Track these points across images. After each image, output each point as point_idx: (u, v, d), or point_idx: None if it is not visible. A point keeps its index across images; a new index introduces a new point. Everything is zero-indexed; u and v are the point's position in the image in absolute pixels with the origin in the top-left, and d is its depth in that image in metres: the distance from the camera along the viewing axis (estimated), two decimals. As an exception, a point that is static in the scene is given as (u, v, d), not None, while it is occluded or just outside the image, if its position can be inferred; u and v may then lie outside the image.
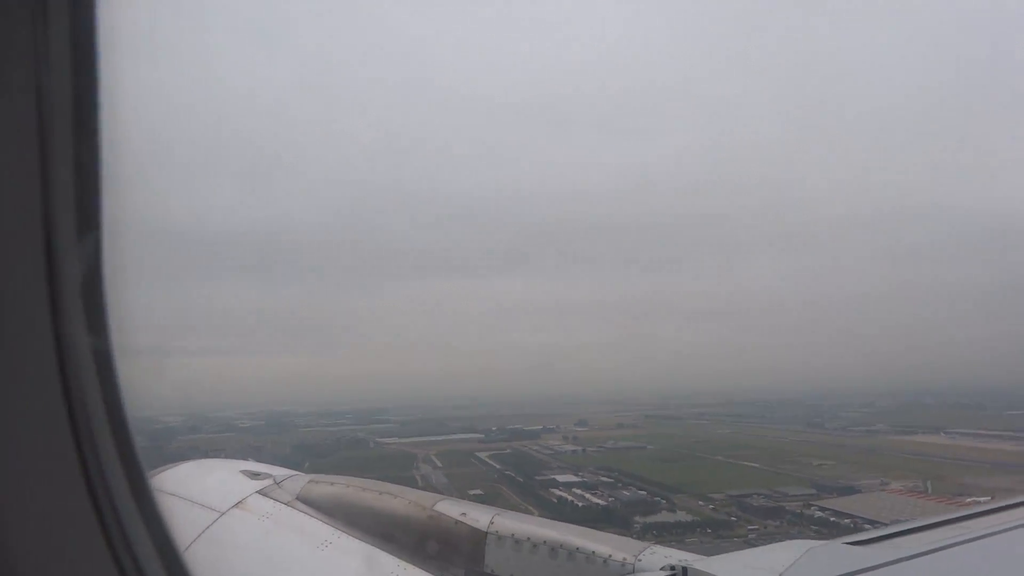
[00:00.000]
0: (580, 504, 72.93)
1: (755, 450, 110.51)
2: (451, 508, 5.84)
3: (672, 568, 3.91)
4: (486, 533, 5.38)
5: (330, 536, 5.77)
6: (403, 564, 5.28)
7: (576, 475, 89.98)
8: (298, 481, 6.72)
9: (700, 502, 74.66)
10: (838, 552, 3.91)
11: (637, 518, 66.72)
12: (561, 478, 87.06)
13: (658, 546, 4.74)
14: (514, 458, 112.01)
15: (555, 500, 75.60)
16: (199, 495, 6.15)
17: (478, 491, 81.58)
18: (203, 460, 7.83)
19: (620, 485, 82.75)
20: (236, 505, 6.07)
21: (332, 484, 6.59)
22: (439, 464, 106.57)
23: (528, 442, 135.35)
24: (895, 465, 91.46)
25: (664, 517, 67.44)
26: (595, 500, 74.39)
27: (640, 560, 4.48)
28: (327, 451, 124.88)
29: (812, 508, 64.28)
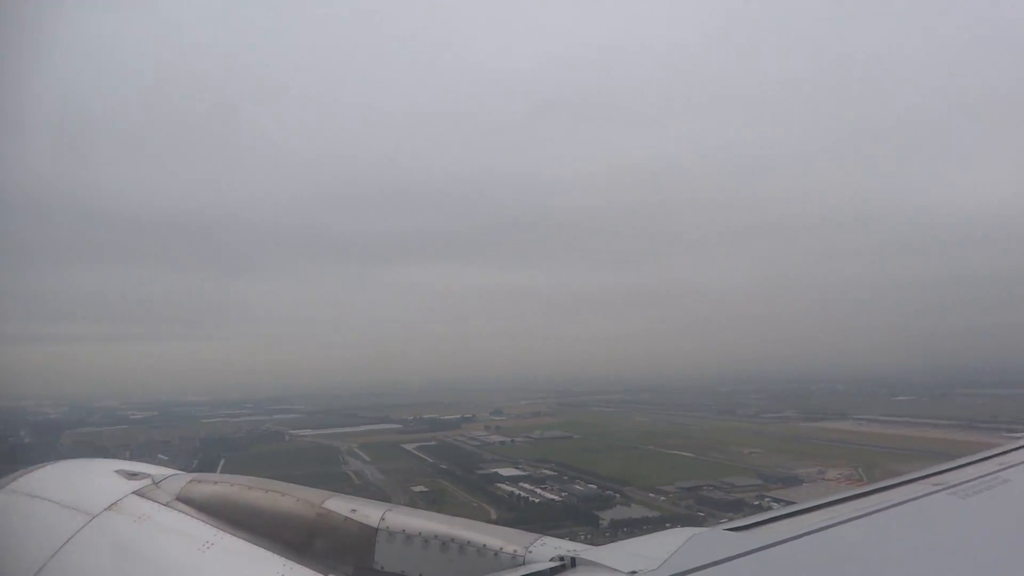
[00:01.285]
0: (536, 500, 71.15)
1: (679, 439, 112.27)
2: (340, 505, 5.42)
3: (561, 559, 3.84)
4: (376, 529, 5.06)
5: (212, 537, 5.34)
6: (290, 564, 4.94)
7: (516, 468, 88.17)
8: (178, 480, 6.20)
9: (651, 494, 74.38)
10: (720, 538, 4.03)
11: (599, 514, 65.64)
12: (504, 472, 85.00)
13: (548, 537, 4.61)
14: (443, 450, 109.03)
15: (506, 496, 73.44)
16: (68, 498, 5.83)
17: (421, 487, 78.44)
18: (74, 460, 7.11)
19: (566, 479, 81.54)
20: (109, 507, 5.68)
21: (215, 483, 6.08)
22: (366, 458, 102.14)
23: (450, 432, 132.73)
24: (818, 452, 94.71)
25: (626, 512, 66.54)
26: (549, 495, 72.83)
27: (531, 552, 4.40)
28: (238, 444, 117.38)
29: (766, 499, 64.98)
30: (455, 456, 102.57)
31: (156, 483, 6.13)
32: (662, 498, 73.36)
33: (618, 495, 73.28)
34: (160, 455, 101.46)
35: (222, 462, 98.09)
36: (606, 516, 64.98)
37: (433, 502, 70.84)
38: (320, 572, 4.93)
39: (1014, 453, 6.84)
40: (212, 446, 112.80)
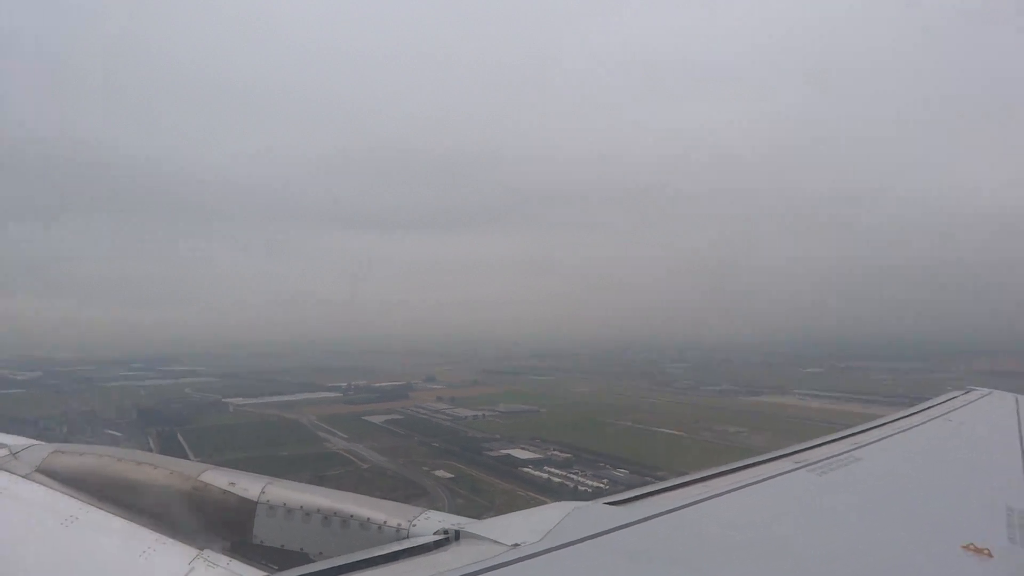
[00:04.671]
0: (587, 490, 68.07)
1: (648, 414, 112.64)
2: (218, 478, 5.31)
3: (446, 531, 3.91)
4: (256, 503, 5.01)
5: (77, 511, 5.13)
6: (163, 538, 4.83)
7: (524, 449, 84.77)
8: (39, 451, 5.86)
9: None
10: (600, 511, 4.21)
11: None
12: (516, 454, 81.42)
13: (432, 511, 4.68)
14: (418, 425, 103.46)
15: (544, 482, 69.78)
16: None
17: (442, 472, 73.71)
18: None
19: (586, 462, 79.05)
20: None
21: (82, 454, 5.79)
22: (341, 434, 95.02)
23: (401, 403, 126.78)
24: (804, 431, 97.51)
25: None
26: (592, 483, 70.12)
27: (415, 525, 4.48)
28: (180, 416, 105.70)
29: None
30: (437, 432, 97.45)
31: (13, 454, 5.81)
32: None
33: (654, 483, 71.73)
34: (106, 430, 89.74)
35: (178, 437, 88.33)
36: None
37: (477, 491, 66.34)
38: (196, 547, 4.79)
39: (867, 433, 7.45)
40: (152, 418, 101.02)
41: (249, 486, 5.13)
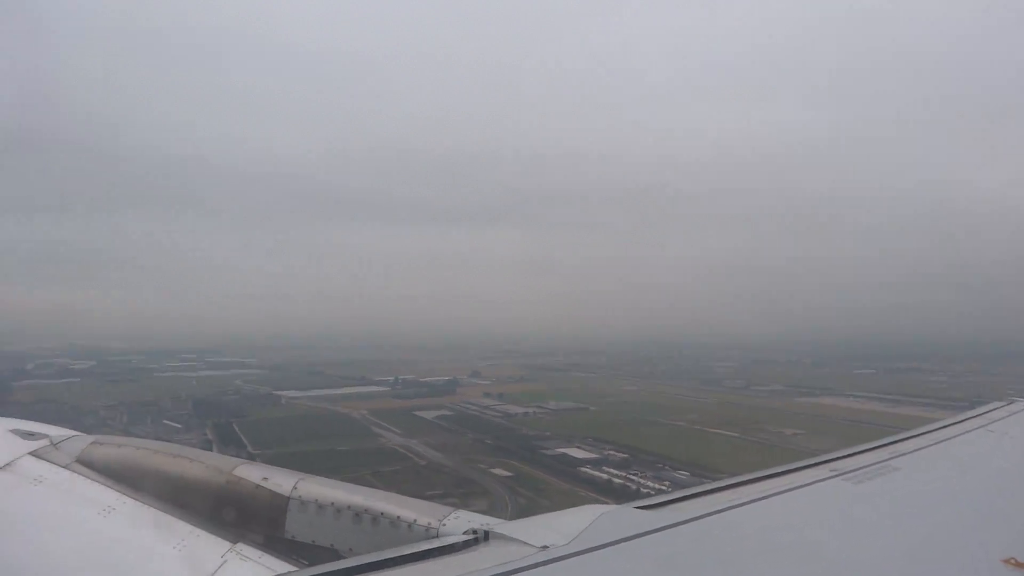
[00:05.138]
0: (648, 493, 67.28)
1: (699, 414, 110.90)
2: (252, 472, 5.30)
3: (475, 531, 3.85)
4: (288, 498, 5.00)
5: (115, 502, 5.25)
6: (197, 531, 4.96)
7: (578, 447, 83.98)
8: (79, 442, 5.93)
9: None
10: (628, 516, 4.15)
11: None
12: (572, 452, 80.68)
13: (462, 511, 4.63)
14: (467, 421, 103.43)
15: (606, 483, 68.99)
16: None
17: (500, 471, 73.34)
18: None
19: (645, 463, 77.97)
20: (3, 467, 5.48)
21: (119, 446, 5.84)
22: (394, 429, 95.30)
23: (448, 398, 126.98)
24: (850, 433, 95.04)
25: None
26: (655, 485, 69.11)
27: (444, 524, 4.44)
28: (234, 409, 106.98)
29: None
30: (489, 429, 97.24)
31: (55, 444, 5.87)
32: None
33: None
34: (165, 421, 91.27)
35: (233, 427, 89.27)
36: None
37: (537, 491, 65.87)
38: (229, 540, 4.86)
39: (904, 443, 7.10)
40: (208, 410, 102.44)
41: (282, 481, 5.12)
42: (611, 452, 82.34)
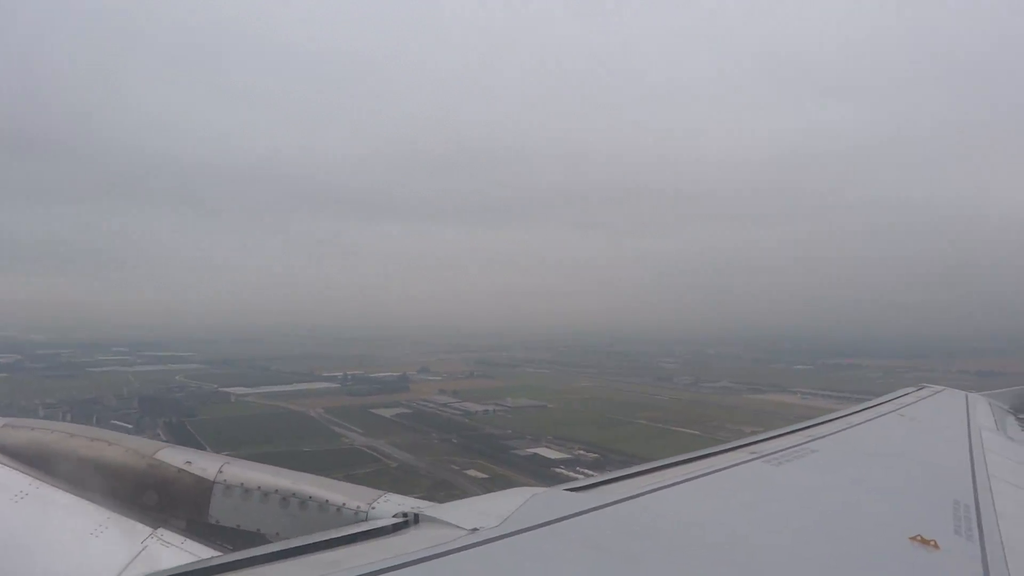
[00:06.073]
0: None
1: (661, 411, 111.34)
2: (174, 456, 5.24)
3: (405, 515, 3.80)
4: (213, 482, 4.93)
5: (27, 487, 5.08)
6: (115, 516, 4.83)
7: (547, 447, 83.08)
8: None
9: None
10: (559, 498, 4.21)
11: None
12: (543, 452, 79.68)
13: (391, 494, 4.60)
14: (428, 419, 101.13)
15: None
16: None
17: (473, 471, 71.73)
18: None
19: (614, 462, 77.37)
20: None
21: (32, 428, 5.70)
22: (356, 428, 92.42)
23: (402, 395, 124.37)
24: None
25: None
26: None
27: (374, 508, 4.43)
28: (182, 407, 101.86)
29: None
30: (452, 428, 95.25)
31: None
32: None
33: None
34: (112, 420, 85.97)
35: (188, 428, 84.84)
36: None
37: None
38: (150, 526, 4.74)
39: (821, 426, 7.47)
40: (155, 408, 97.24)
41: (207, 465, 5.01)
42: (581, 452, 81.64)
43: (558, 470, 72.72)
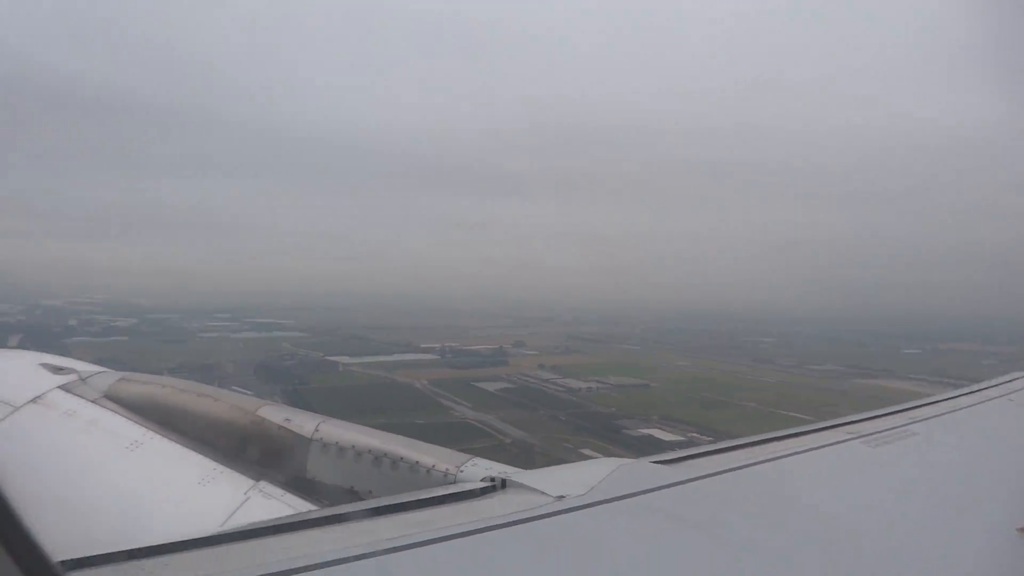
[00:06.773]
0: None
1: (764, 393, 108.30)
2: (275, 413, 5.38)
3: (492, 479, 3.85)
4: (310, 440, 5.06)
5: (141, 437, 5.33)
6: (220, 467, 5.04)
7: (659, 428, 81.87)
8: (106, 378, 6.10)
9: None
10: (646, 469, 4.13)
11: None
12: (658, 435, 78.42)
13: (479, 458, 4.59)
14: (532, 395, 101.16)
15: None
16: None
17: (589, 451, 70.67)
18: None
19: (733, 446, 75.56)
20: (33, 400, 5.49)
21: (145, 383, 5.97)
22: (464, 402, 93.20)
23: (503, 369, 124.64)
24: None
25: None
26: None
27: (462, 471, 4.45)
28: (292, 374, 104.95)
29: None
30: (558, 405, 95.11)
31: (83, 379, 5.93)
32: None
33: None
34: (234, 387, 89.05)
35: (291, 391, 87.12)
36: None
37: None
38: (252, 478, 4.91)
39: (923, 409, 7.12)
40: (270, 376, 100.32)
41: (304, 423, 5.14)
42: (694, 434, 79.68)
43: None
